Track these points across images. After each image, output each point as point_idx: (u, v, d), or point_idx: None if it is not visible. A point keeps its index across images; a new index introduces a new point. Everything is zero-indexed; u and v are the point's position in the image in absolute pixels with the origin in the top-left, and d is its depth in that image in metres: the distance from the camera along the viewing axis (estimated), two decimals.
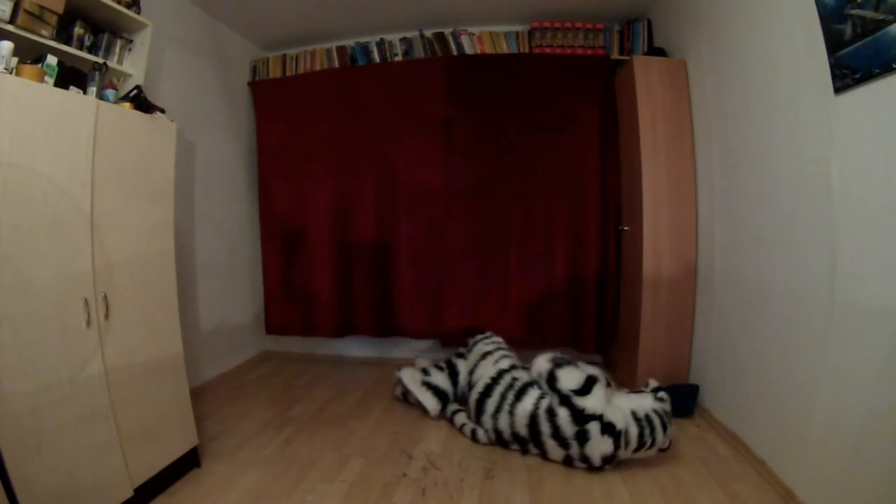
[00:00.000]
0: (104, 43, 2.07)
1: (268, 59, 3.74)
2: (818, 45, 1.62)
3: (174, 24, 2.85)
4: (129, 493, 1.75)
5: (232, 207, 3.56)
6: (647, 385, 2.25)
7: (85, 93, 1.82)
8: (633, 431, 2.00)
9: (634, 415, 2.03)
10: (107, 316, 1.71)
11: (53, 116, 1.54)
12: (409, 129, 3.36)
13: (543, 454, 2.16)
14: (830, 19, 1.56)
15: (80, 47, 1.96)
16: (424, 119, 3.33)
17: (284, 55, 3.71)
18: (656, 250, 2.74)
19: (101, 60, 1.97)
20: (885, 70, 1.36)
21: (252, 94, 3.70)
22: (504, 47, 3.37)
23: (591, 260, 3.20)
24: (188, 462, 2.10)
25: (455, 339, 3.23)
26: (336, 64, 3.58)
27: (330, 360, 3.80)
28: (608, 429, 1.97)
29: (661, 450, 2.06)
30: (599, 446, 1.97)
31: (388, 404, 2.88)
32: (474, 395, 2.44)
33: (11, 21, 1.66)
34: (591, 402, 2.03)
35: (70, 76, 1.80)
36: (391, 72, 3.42)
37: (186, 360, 2.12)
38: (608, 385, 2.25)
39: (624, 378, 2.92)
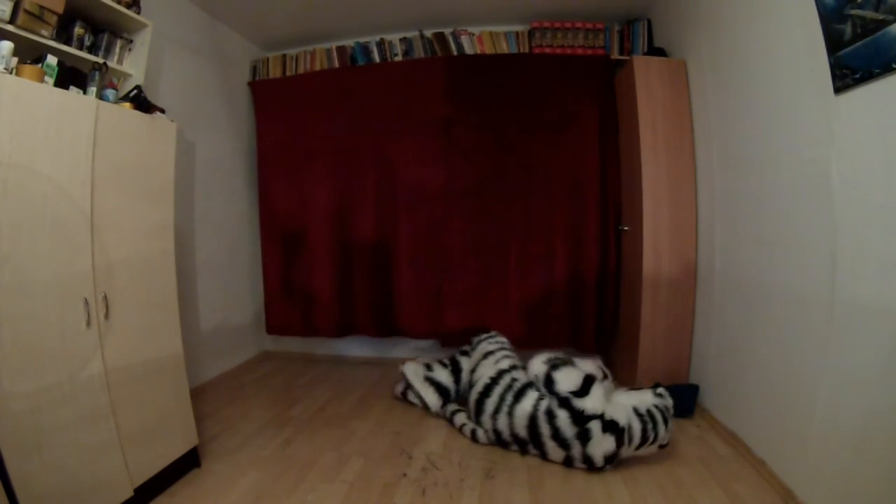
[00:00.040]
0: (104, 43, 2.07)
1: (268, 59, 3.74)
2: (818, 45, 1.62)
3: (174, 24, 2.85)
4: (129, 493, 1.75)
5: (232, 207, 3.56)
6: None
7: (85, 93, 1.82)
8: (637, 427, 2.00)
9: (636, 410, 2.04)
10: (107, 316, 1.71)
11: (53, 116, 1.54)
12: (409, 129, 3.36)
13: (543, 455, 2.15)
14: (830, 19, 1.56)
15: (80, 47, 1.96)
16: (424, 119, 3.33)
17: (284, 55, 3.71)
18: (656, 250, 2.74)
19: (101, 60, 1.97)
20: (885, 70, 1.36)
21: (252, 94, 3.69)
22: (504, 47, 3.36)
23: (591, 260, 3.20)
24: (188, 462, 2.10)
25: (455, 339, 3.23)
26: (336, 64, 3.58)
27: (330, 360, 3.80)
28: (610, 426, 1.98)
29: (661, 446, 2.06)
30: (602, 445, 1.97)
31: (389, 404, 2.88)
32: (474, 395, 2.44)
33: (11, 21, 1.66)
34: (591, 403, 2.03)
35: (70, 76, 1.80)
36: (391, 72, 3.42)
37: (186, 360, 2.12)
38: (605, 377, 2.26)
39: (624, 378, 2.91)
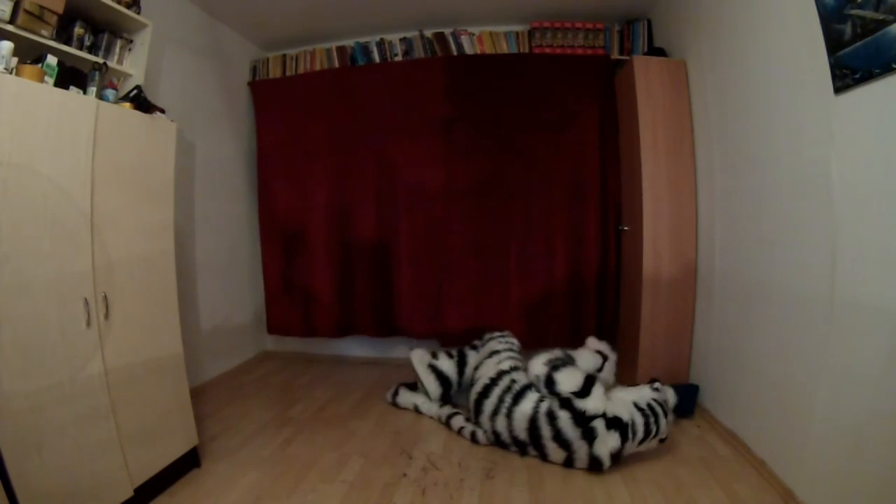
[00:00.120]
0: (104, 43, 2.07)
1: (268, 59, 3.74)
2: (818, 45, 1.62)
3: (174, 24, 2.85)
4: (129, 493, 1.75)
5: (232, 207, 3.56)
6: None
7: (85, 93, 1.82)
8: (639, 421, 2.03)
9: (637, 405, 2.06)
10: (107, 316, 1.71)
11: (53, 116, 1.54)
12: (409, 129, 3.36)
13: (543, 456, 2.15)
14: (830, 19, 1.56)
15: (80, 47, 1.96)
16: (424, 119, 3.33)
17: (284, 55, 3.71)
18: (656, 250, 2.74)
19: (101, 60, 1.97)
20: (885, 70, 1.36)
21: (252, 94, 3.69)
22: (504, 47, 3.36)
23: (591, 260, 3.20)
24: (188, 462, 2.10)
25: (455, 339, 3.23)
26: (336, 64, 3.58)
27: (330, 360, 3.80)
28: (614, 423, 1.99)
29: (661, 440, 2.08)
30: (607, 442, 1.98)
31: (389, 404, 2.88)
32: (473, 395, 2.44)
33: (11, 21, 1.66)
34: (592, 404, 2.04)
35: (70, 76, 1.80)
36: (391, 72, 3.42)
37: (186, 360, 2.12)
38: (605, 359, 2.34)
39: (624, 378, 2.90)
